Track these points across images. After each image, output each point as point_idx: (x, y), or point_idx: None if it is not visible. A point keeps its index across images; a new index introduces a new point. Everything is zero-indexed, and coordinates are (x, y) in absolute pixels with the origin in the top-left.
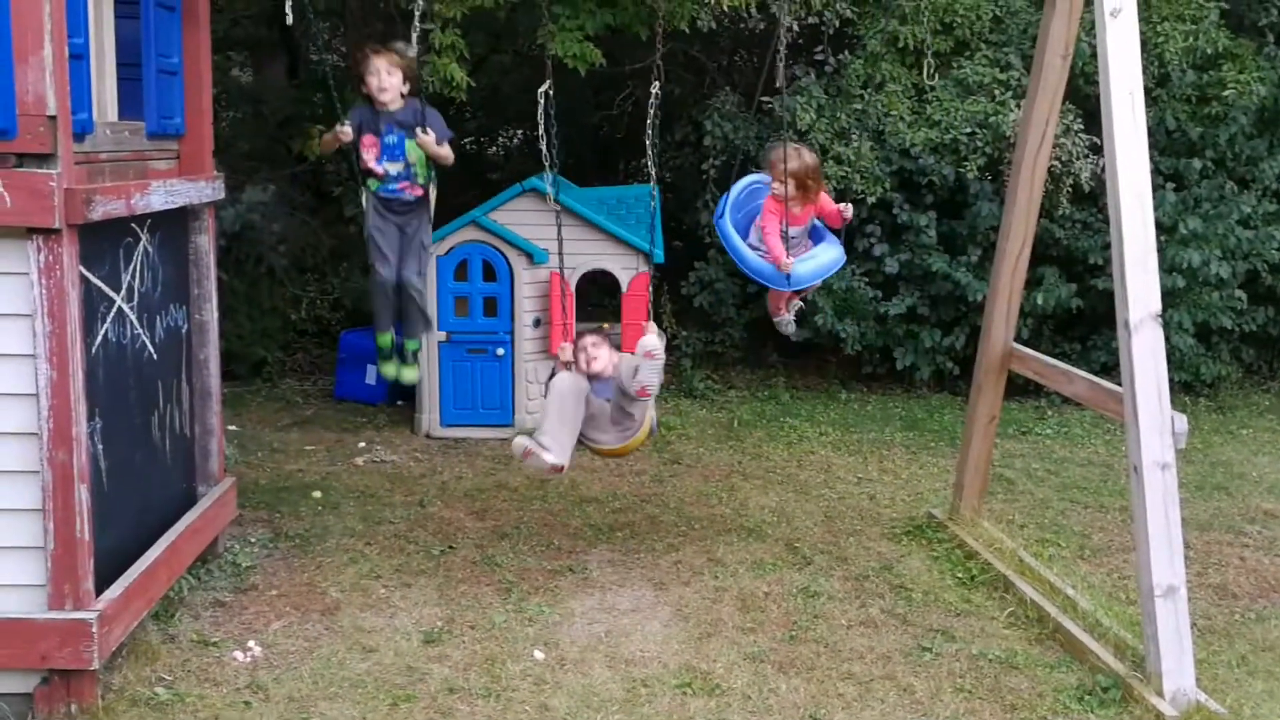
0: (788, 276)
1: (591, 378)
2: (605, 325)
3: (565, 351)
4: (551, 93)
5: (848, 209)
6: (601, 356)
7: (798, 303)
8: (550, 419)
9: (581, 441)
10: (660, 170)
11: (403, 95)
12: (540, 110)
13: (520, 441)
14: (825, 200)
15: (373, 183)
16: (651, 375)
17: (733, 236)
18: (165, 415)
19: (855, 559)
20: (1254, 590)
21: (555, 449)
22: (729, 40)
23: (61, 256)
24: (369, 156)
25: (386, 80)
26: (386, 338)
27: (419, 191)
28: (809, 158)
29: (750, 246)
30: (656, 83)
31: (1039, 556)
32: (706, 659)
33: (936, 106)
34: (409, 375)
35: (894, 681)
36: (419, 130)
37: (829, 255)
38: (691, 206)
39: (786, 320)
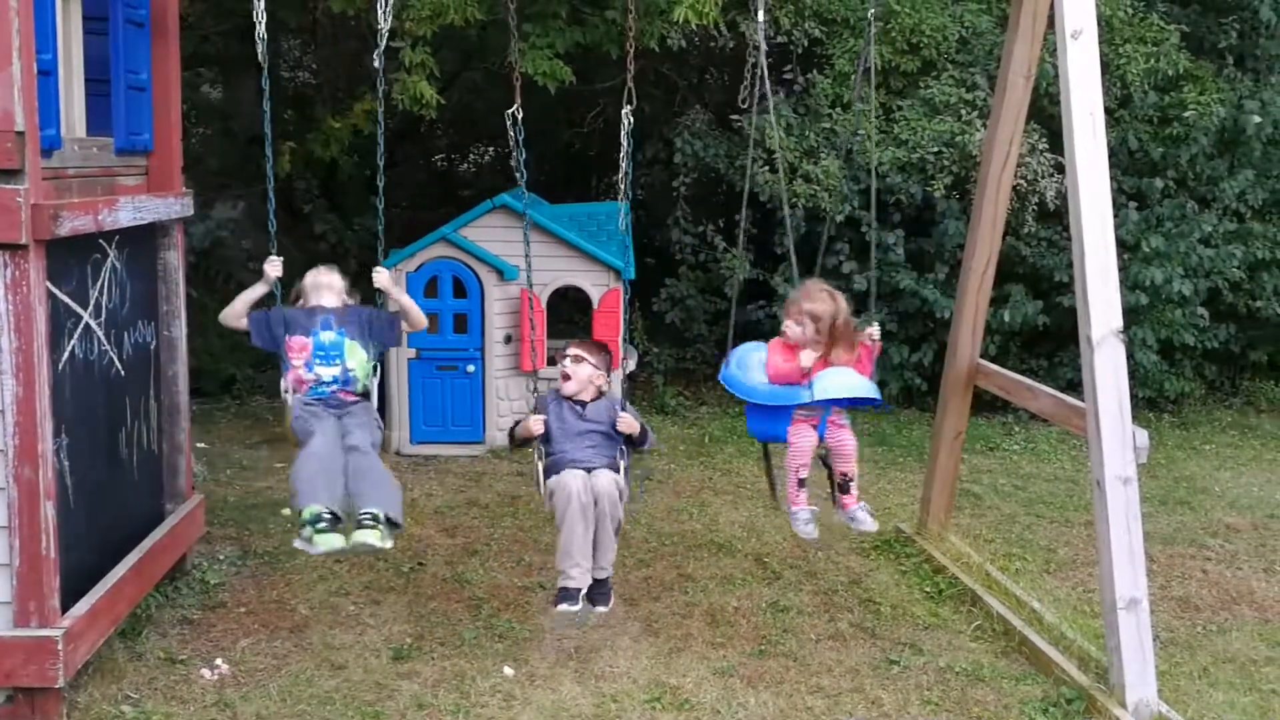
0: (810, 385)
1: (567, 398)
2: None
3: (536, 424)
4: (520, 115)
5: (875, 331)
6: (578, 375)
7: (852, 506)
8: (565, 537)
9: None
10: (632, 188)
11: (345, 303)
12: (510, 131)
13: (561, 613)
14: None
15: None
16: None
17: (735, 374)
18: (133, 432)
19: (824, 574)
20: (1216, 603)
21: (579, 576)
22: (700, 58)
23: (28, 272)
24: (298, 362)
25: (324, 278)
26: (314, 510)
27: (354, 397)
28: (841, 302)
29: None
30: (628, 106)
31: (1005, 570)
32: (676, 674)
33: (904, 126)
34: (372, 540)
35: (862, 694)
36: (379, 272)
37: (861, 378)
38: (663, 224)
39: (804, 518)
